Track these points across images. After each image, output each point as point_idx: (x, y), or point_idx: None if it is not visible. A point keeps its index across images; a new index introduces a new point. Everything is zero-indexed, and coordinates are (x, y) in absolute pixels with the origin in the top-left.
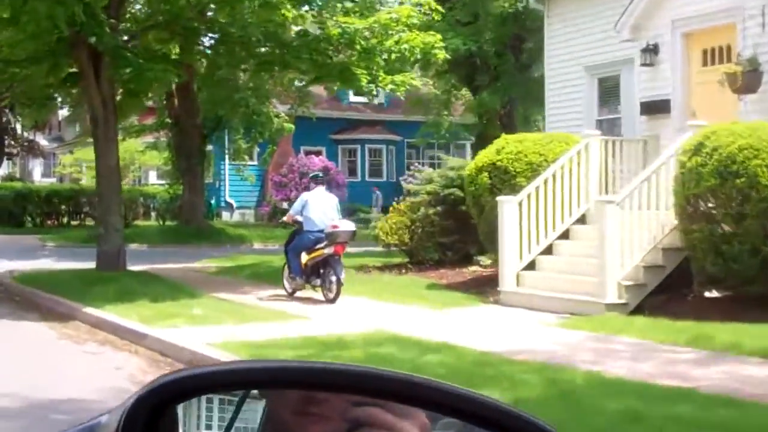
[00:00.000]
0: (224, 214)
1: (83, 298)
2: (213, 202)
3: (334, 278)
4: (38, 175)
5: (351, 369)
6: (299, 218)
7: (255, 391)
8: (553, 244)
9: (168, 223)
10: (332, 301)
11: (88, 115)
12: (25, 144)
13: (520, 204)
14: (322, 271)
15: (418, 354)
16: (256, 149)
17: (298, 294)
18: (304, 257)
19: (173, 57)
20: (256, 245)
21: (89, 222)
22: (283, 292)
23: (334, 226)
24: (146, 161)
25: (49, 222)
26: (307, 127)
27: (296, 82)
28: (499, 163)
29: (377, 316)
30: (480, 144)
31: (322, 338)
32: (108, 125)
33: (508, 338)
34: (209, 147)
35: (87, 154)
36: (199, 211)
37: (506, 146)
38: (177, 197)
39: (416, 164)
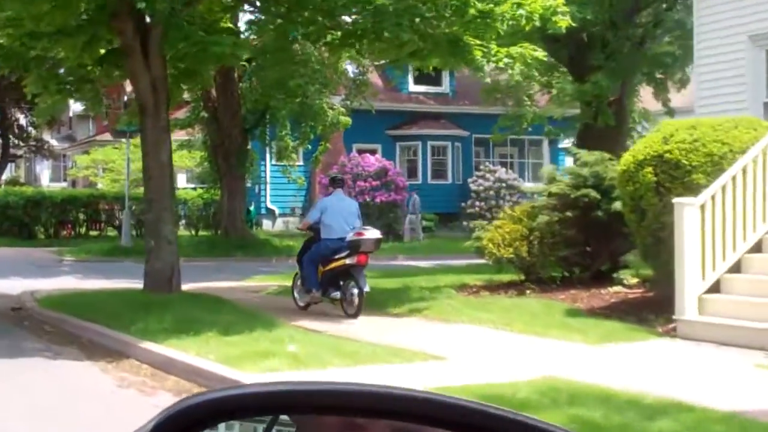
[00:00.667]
0: (265, 223)
1: (135, 329)
2: (252, 208)
3: (356, 290)
4: (46, 179)
5: (394, 392)
6: (316, 225)
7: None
8: (741, 259)
9: (202, 233)
10: (353, 316)
11: (135, 102)
12: (34, 144)
13: (702, 208)
14: (342, 282)
15: (638, 417)
16: (305, 147)
17: (313, 308)
18: (321, 268)
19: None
20: None
21: (111, 232)
22: (384, 318)
23: (359, 234)
24: (174, 162)
25: (63, 232)
26: (359, 121)
27: (349, 68)
28: (668, 156)
29: (525, 354)
30: (587, 138)
31: (479, 389)
32: (158, 113)
33: (736, 389)
34: (249, 145)
35: (106, 154)
36: (239, 220)
37: (676, 134)
38: (211, 203)
39: (486, 163)
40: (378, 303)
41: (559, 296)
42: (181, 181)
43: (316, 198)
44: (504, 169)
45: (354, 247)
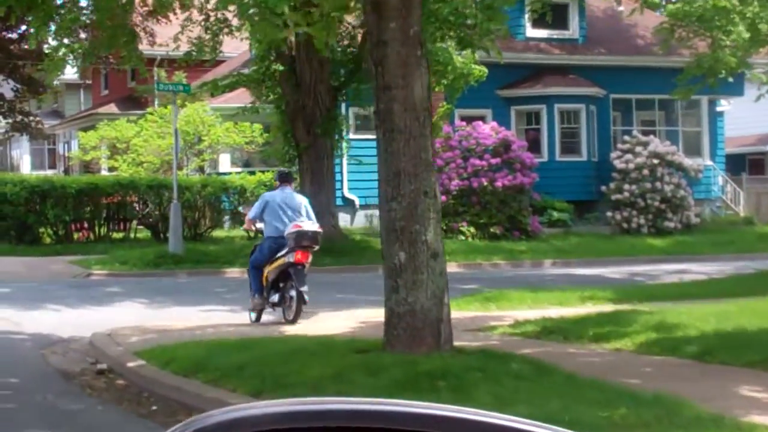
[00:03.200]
0: (341, 217)
1: None
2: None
3: (293, 293)
4: (27, 166)
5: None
6: (260, 224)
7: None
8: None
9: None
10: (292, 321)
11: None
12: (20, 118)
13: None
14: (282, 285)
15: None
16: None
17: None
18: (266, 270)
19: None
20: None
21: (142, 233)
22: None
23: (296, 225)
24: (219, 138)
25: (77, 234)
26: None
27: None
28: None
29: None
30: None
31: None
32: (409, 19)
33: None
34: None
35: (121, 129)
36: (327, 214)
37: None
38: None
39: (635, 132)
40: None
41: None
42: (225, 164)
43: None
44: (658, 140)
45: (291, 243)
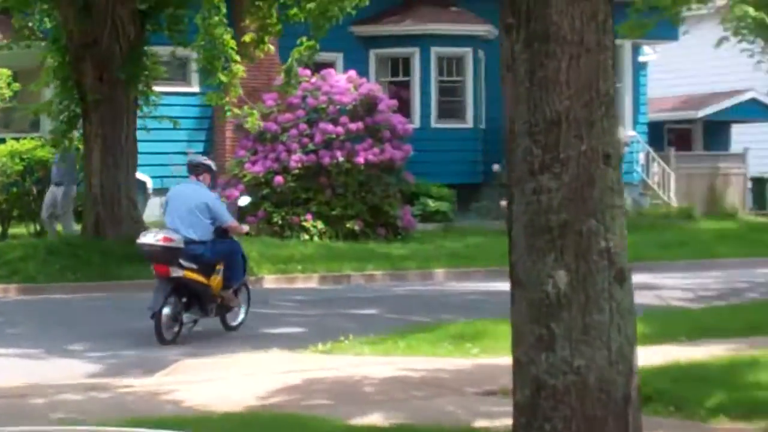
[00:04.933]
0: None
1: None
2: None
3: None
4: None
5: None
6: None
7: None
8: None
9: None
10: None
11: None
12: None
13: None
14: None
15: None
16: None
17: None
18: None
19: None
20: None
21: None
22: None
23: (166, 239)
24: None
25: None
26: None
27: None
28: None
29: None
30: None
31: None
32: None
33: None
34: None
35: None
36: (127, 199)
37: None
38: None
39: None
40: None
41: None
42: None
43: (228, 159)
44: None
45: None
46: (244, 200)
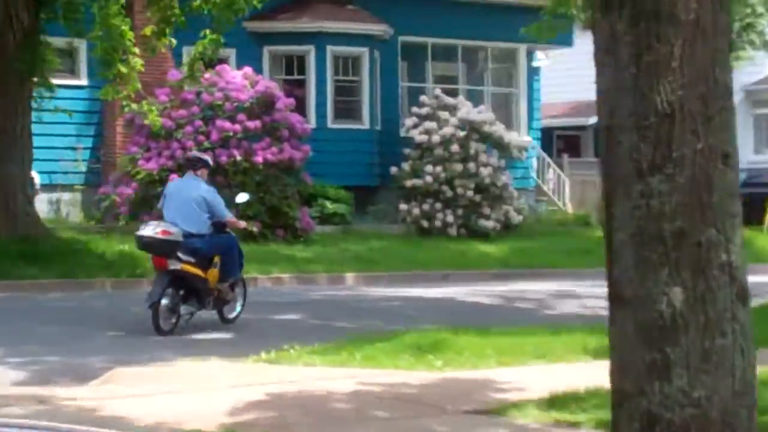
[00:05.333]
0: None
1: None
2: None
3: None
4: None
5: None
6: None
7: None
8: None
9: None
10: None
11: None
12: None
13: None
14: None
15: None
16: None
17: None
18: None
19: None
20: None
21: None
22: None
23: (165, 232)
24: None
25: None
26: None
27: None
28: None
29: None
30: None
31: None
32: None
33: None
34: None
35: None
36: (20, 195)
37: None
38: None
39: (437, 91)
40: None
41: None
42: None
43: (119, 155)
44: (471, 103)
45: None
46: (242, 197)
